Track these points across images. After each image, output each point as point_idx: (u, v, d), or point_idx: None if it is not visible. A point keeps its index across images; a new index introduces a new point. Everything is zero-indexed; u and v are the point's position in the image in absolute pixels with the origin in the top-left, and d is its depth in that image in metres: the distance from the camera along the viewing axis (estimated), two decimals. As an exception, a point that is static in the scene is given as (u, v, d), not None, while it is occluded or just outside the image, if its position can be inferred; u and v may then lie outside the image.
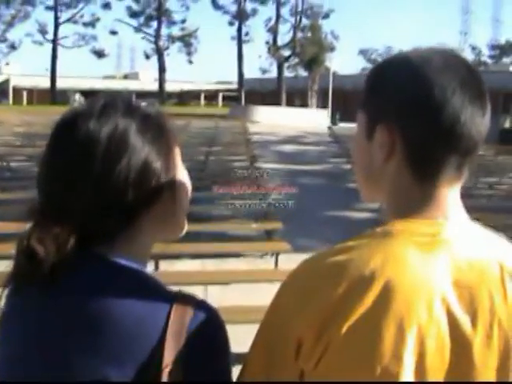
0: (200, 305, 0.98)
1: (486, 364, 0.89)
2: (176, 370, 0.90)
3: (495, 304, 0.92)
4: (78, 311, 0.95)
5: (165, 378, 0.89)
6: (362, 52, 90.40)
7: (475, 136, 0.97)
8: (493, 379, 0.90)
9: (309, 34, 54.07)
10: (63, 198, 0.99)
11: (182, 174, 1.08)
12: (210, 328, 0.96)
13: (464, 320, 0.90)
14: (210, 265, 6.86)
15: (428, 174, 0.97)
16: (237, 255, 7.40)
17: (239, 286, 5.66)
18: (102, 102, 1.04)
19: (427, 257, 0.91)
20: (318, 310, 0.89)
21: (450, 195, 0.99)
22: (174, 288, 1.02)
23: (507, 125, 34.92)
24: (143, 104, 1.09)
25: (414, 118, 0.96)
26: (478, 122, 0.97)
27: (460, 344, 0.89)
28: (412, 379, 0.87)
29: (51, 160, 1.02)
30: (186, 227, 1.12)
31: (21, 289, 1.00)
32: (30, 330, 0.99)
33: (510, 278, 0.94)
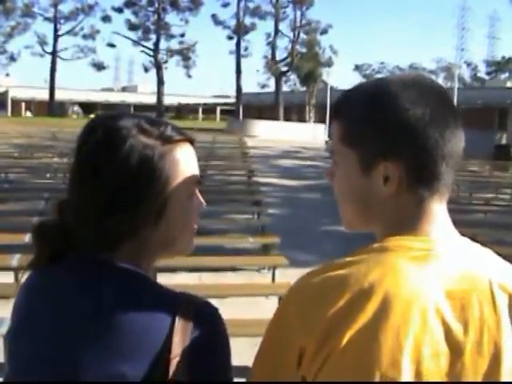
0: (203, 304, 1.05)
1: (476, 369, 0.95)
2: (182, 362, 0.97)
3: (485, 313, 0.97)
4: (89, 309, 1.01)
5: (172, 368, 0.96)
6: (358, 67, 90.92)
7: (459, 150, 1.05)
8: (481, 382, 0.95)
9: (305, 49, 54.29)
10: (78, 197, 1.07)
11: (191, 198, 1.12)
12: (210, 326, 1.03)
13: (456, 328, 0.95)
14: (208, 278, 6.88)
15: (425, 193, 1.03)
16: (234, 269, 7.41)
17: (236, 300, 5.68)
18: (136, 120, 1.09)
19: (422, 270, 0.97)
20: (320, 320, 0.94)
21: (441, 210, 1.05)
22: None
23: (503, 141, 35.05)
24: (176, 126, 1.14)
25: (411, 146, 1.01)
26: (458, 137, 1.04)
27: (453, 351, 0.94)
28: None
29: (76, 161, 1.09)
30: (191, 247, 1.17)
31: (36, 277, 1.10)
32: (45, 319, 1.04)
33: (499, 288, 1.00)
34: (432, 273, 0.97)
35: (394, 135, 1.02)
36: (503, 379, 0.96)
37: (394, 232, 1.03)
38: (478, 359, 0.94)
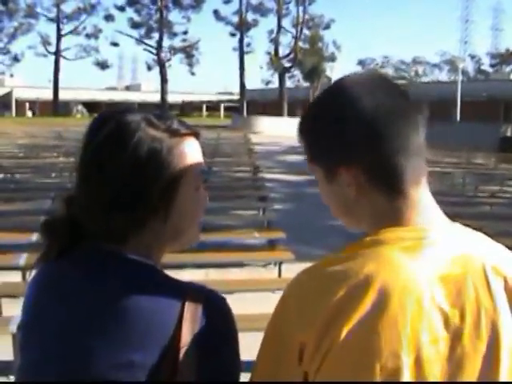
0: (210, 293, 1.06)
1: (476, 351, 0.96)
2: (191, 349, 0.98)
3: (480, 295, 0.99)
4: (96, 302, 1.02)
5: (182, 356, 0.97)
6: (361, 62, 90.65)
7: (419, 139, 1.06)
8: (481, 365, 0.96)
9: (308, 45, 54.22)
10: (85, 192, 1.08)
11: (198, 190, 1.14)
12: (219, 314, 1.04)
13: (453, 313, 0.97)
14: (214, 274, 6.89)
15: (395, 185, 1.05)
16: (240, 264, 7.42)
17: (243, 295, 5.68)
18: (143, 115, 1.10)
19: (416, 259, 0.99)
20: (318, 315, 0.95)
21: (422, 197, 1.07)
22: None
23: (508, 133, 34.90)
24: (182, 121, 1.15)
25: (367, 149, 1.04)
26: (413, 126, 1.06)
27: (452, 335, 0.96)
28: (411, 372, 0.93)
29: (85, 155, 1.09)
30: (197, 238, 1.18)
31: (46, 268, 1.12)
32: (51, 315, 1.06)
33: (492, 270, 1.01)
34: (426, 261, 0.99)
35: (346, 143, 1.05)
36: (503, 360, 0.97)
37: (383, 225, 1.04)
38: (476, 342, 0.96)
